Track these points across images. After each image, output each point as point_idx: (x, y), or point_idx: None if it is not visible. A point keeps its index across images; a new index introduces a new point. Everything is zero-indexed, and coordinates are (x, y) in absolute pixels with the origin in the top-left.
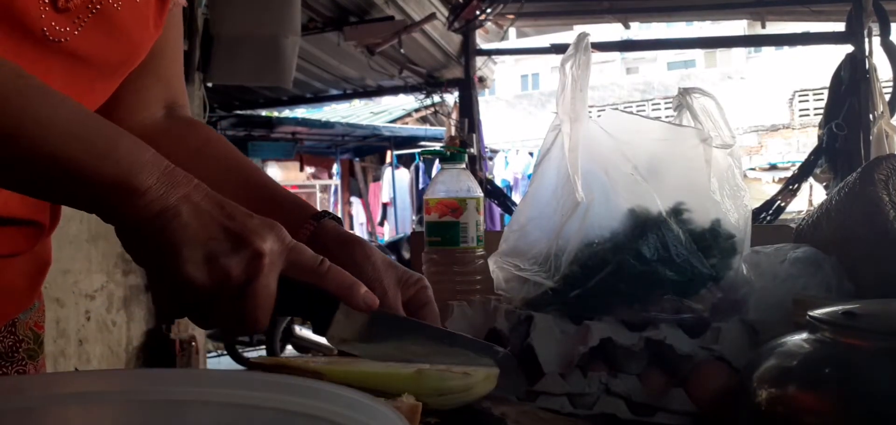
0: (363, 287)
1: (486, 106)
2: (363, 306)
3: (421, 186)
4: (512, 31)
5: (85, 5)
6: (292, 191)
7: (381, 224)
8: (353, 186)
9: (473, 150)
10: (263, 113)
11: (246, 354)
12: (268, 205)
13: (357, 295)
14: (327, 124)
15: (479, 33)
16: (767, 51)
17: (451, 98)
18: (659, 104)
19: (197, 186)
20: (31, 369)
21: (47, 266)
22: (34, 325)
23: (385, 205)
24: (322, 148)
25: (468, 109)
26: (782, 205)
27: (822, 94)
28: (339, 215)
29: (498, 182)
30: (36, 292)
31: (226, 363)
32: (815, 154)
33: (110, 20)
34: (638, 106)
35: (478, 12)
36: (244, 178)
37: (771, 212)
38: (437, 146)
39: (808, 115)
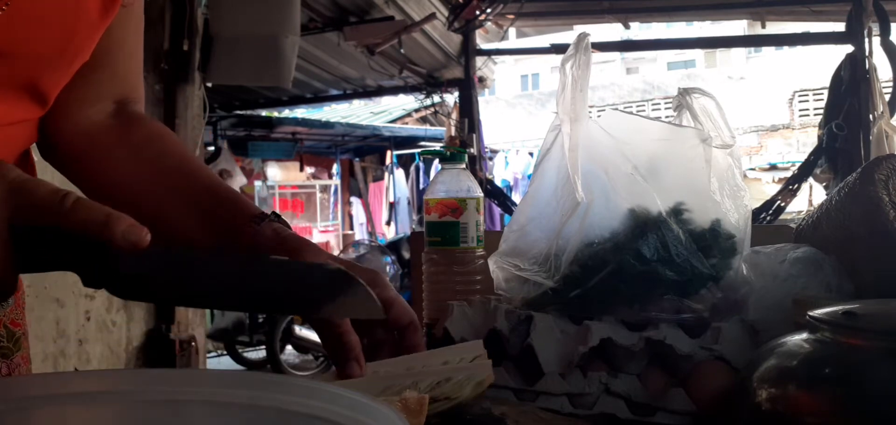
0: (124, 220)
1: (486, 106)
2: (123, 243)
3: (421, 187)
4: (512, 31)
5: None
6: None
7: (388, 223)
8: (353, 186)
9: (473, 150)
10: (263, 113)
11: (245, 354)
12: (206, 204)
13: (115, 229)
14: (327, 124)
15: (479, 33)
16: (767, 51)
17: (451, 98)
18: (659, 104)
19: None
20: (3, 368)
21: None
22: (10, 323)
23: (391, 205)
24: (322, 148)
25: (468, 109)
26: (782, 205)
27: (821, 94)
28: (340, 215)
29: (498, 182)
30: None
31: (226, 363)
32: (815, 154)
33: (30, 11)
34: (638, 106)
35: (478, 12)
36: (183, 176)
37: (771, 212)
38: (437, 146)
39: (807, 115)
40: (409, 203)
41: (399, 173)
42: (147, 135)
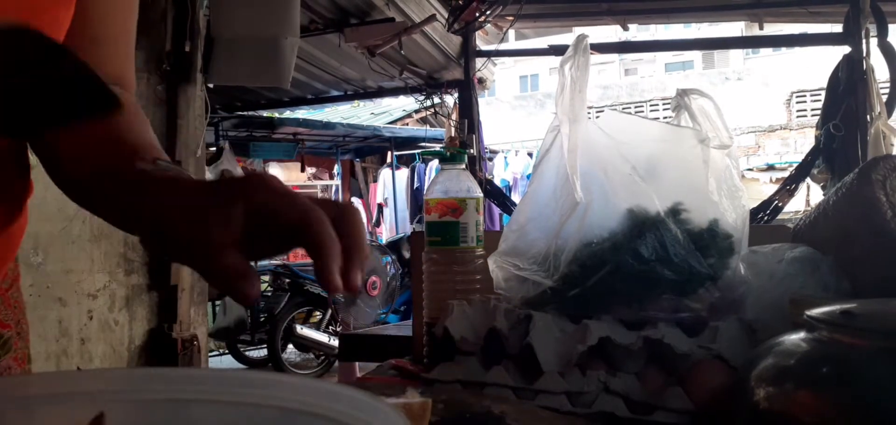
0: None
1: (486, 107)
2: None
3: (415, 186)
4: (511, 33)
5: None
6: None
7: (377, 225)
8: (354, 187)
9: (473, 151)
10: (265, 114)
11: (247, 353)
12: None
13: None
14: (328, 125)
15: (478, 35)
16: (765, 52)
17: (451, 99)
18: (657, 105)
19: None
20: None
21: (2, 263)
22: None
23: (380, 206)
24: (323, 149)
25: (468, 110)
26: (780, 205)
27: (819, 94)
28: None
29: (497, 182)
30: None
31: (228, 362)
32: (813, 154)
33: None
34: (636, 107)
35: (477, 14)
36: (119, 157)
37: (768, 212)
38: (438, 147)
39: (805, 116)
40: (407, 203)
41: (400, 173)
42: (111, 124)
